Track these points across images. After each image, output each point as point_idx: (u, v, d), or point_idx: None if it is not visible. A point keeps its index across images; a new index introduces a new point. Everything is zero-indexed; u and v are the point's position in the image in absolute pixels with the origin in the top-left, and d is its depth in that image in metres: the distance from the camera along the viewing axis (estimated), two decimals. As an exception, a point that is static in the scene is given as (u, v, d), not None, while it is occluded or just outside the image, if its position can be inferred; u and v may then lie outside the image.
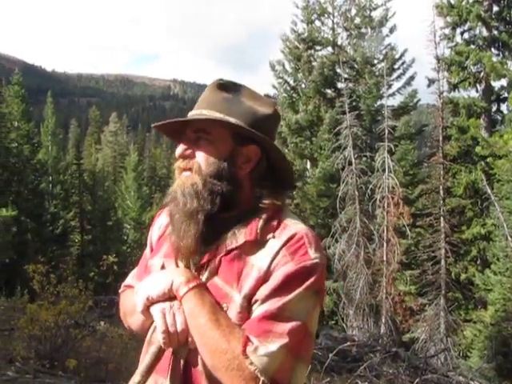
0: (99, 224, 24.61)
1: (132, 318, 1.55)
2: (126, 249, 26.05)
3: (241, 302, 1.30)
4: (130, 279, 1.69)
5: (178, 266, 1.43)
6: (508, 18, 18.49)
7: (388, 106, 16.79)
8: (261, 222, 1.36)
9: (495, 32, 18.62)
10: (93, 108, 75.10)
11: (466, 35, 19.19)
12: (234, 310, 1.31)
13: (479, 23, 18.31)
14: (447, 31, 19.12)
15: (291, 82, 20.98)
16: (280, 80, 20.85)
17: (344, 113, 15.91)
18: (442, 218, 16.28)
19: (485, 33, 18.50)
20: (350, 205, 14.77)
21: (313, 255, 1.32)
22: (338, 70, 19.96)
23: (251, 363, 1.21)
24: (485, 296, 16.08)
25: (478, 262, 17.57)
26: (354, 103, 17.93)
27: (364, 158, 16.16)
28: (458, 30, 19.16)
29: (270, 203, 1.40)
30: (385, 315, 13.82)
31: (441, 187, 16.82)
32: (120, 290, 1.70)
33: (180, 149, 1.43)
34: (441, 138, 17.36)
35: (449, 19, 18.93)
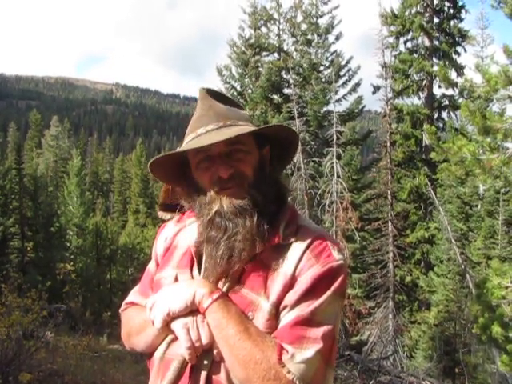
0: (42, 230, 23.82)
1: (139, 337, 1.45)
2: (69, 255, 25.35)
3: (269, 309, 1.27)
4: (132, 296, 1.60)
5: (193, 277, 1.38)
6: (448, 30, 19.21)
7: (336, 112, 16.98)
8: (282, 226, 1.35)
9: (436, 42, 19.30)
10: (34, 111, 72.76)
11: (409, 44, 19.87)
12: (261, 318, 1.27)
13: (421, 33, 18.95)
14: (391, 40, 19.70)
15: (238, 88, 20.93)
16: (227, 85, 20.77)
17: (292, 118, 15.99)
18: (389, 223, 16.61)
19: (427, 42, 19.15)
20: (299, 210, 14.87)
21: (337, 256, 1.31)
22: (285, 76, 20.14)
23: (289, 372, 1.19)
24: (428, 298, 16.55)
25: (422, 265, 18.05)
26: (300, 109, 18.07)
27: (312, 163, 16.31)
28: (402, 39, 19.81)
29: (288, 205, 1.42)
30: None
31: (389, 192, 17.17)
32: (121, 309, 1.61)
33: (225, 171, 1.31)
34: (388, 144, 17.74)
35: (393, 28, 19.53)
